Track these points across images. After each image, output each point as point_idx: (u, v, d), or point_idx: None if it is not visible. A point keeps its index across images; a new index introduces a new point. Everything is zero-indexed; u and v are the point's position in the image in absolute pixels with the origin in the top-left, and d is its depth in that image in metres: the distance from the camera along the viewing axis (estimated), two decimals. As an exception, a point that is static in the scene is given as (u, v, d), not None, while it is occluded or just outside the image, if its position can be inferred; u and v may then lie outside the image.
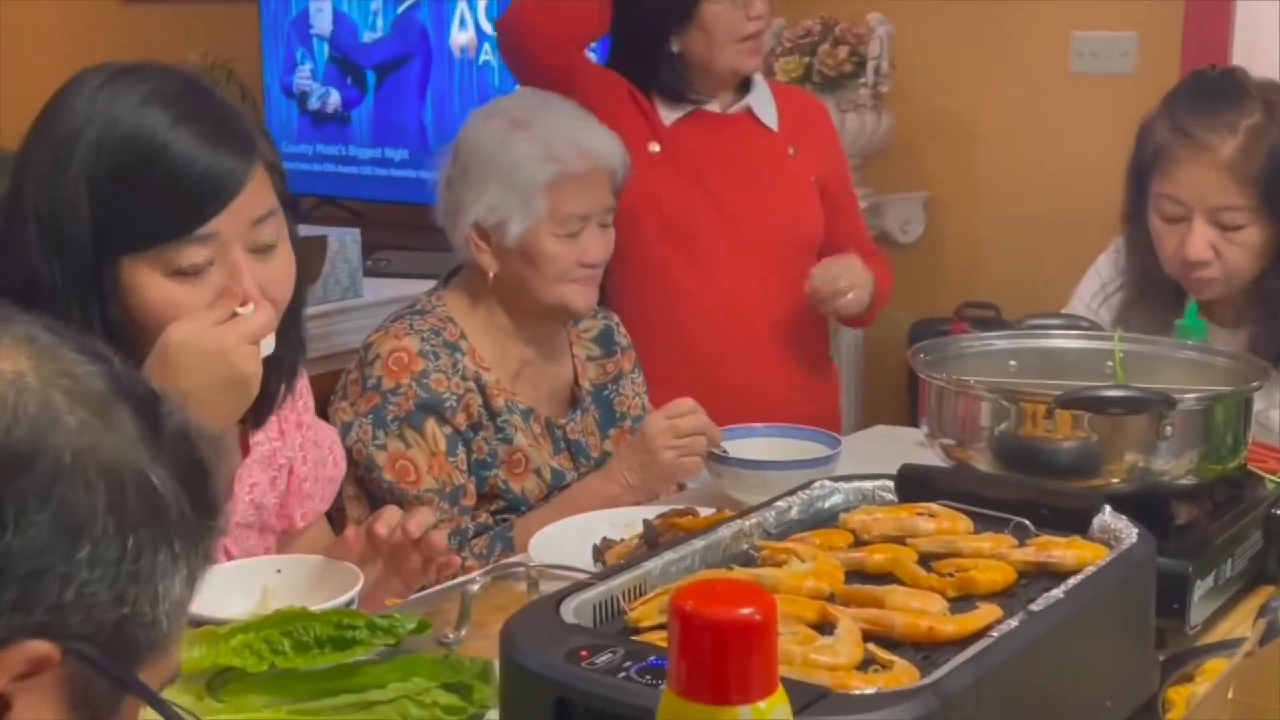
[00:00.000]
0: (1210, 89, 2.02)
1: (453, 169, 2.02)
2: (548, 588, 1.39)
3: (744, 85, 2.47)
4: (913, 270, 4.20)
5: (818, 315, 2.46)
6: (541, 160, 1.94)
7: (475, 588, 1.31)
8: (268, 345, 1.40)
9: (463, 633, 1.29)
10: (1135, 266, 2.12)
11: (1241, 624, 1.49)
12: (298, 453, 1.65)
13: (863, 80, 3.91)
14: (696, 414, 1.87)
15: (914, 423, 2.70)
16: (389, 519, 1.47)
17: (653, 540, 1.54)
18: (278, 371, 1.50)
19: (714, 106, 2.42)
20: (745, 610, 0.80)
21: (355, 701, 1.21)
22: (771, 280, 2.41)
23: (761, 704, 0.80)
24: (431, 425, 1.89)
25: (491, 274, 1.97)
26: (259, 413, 1.51)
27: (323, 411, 1.95)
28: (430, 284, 2.15)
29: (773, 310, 2.42)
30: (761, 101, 2.47)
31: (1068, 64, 3.93)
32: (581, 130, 2.00)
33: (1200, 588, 1.41)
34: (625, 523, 1.71)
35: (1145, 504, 1.40)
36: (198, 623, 1.36)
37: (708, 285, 2.38)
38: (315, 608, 1.32)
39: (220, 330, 1.36)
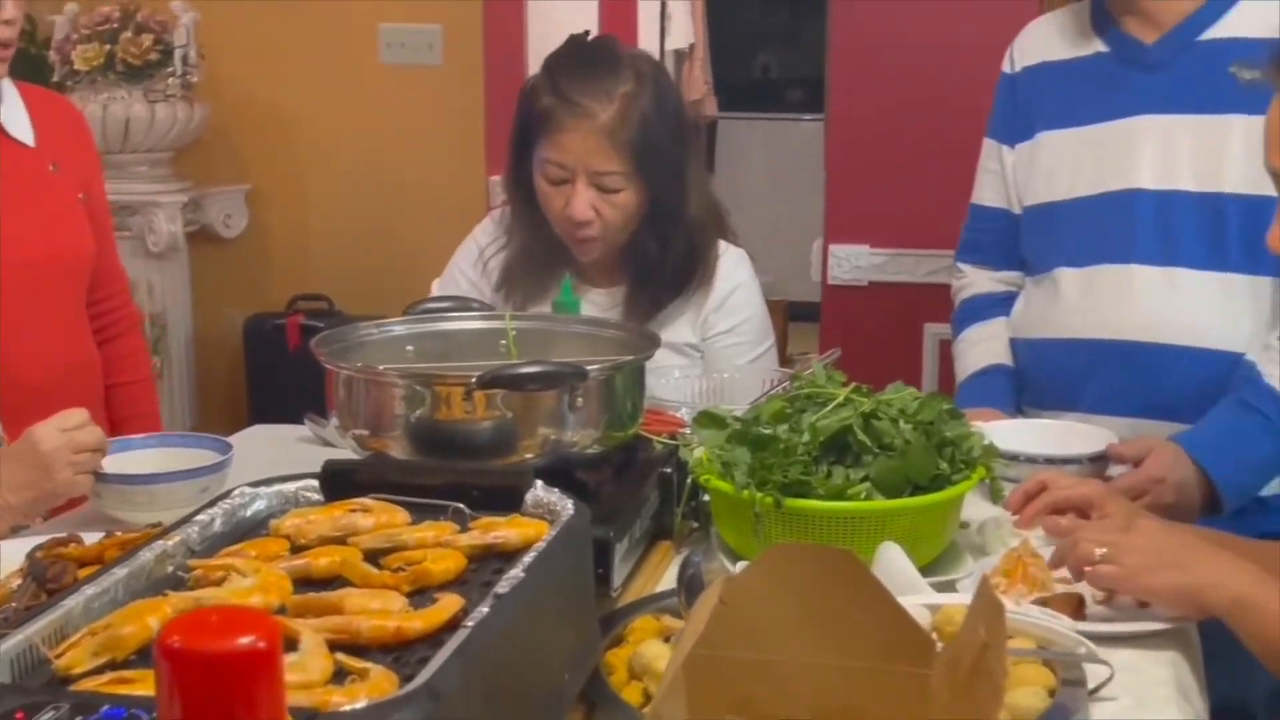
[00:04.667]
0: (587, 56, 2.13)
1: None
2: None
3: None
4: (240, 266, 4.08)
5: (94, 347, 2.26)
6: None
7: None
8: None
9: None
10: (523, 227, 2.19)
11: (649, 581, 1.56)
12: None
13: (171, 70, 3.74)
14: (93, 427, 1.67)
15: (251, 422, 2.60)
16: None
17: (42, 577, 1.37)
18: None
19: None
20: (246, 639, 0.71)
21: None
22: (47, 314, 2.14)
23: (271, 738, 0.72)
24: None
25: None
26: None
27: None
28: None
29: (51, 347, 2.13)
30: (13, 113, 2.17)
31: (377, 55, 3.97)
32: None
33: (619, 550, 1.45)
34: (-8, 561, 1.51)
35: (558, 476, 1.42)
36: None
37: None
38: None
39: None
